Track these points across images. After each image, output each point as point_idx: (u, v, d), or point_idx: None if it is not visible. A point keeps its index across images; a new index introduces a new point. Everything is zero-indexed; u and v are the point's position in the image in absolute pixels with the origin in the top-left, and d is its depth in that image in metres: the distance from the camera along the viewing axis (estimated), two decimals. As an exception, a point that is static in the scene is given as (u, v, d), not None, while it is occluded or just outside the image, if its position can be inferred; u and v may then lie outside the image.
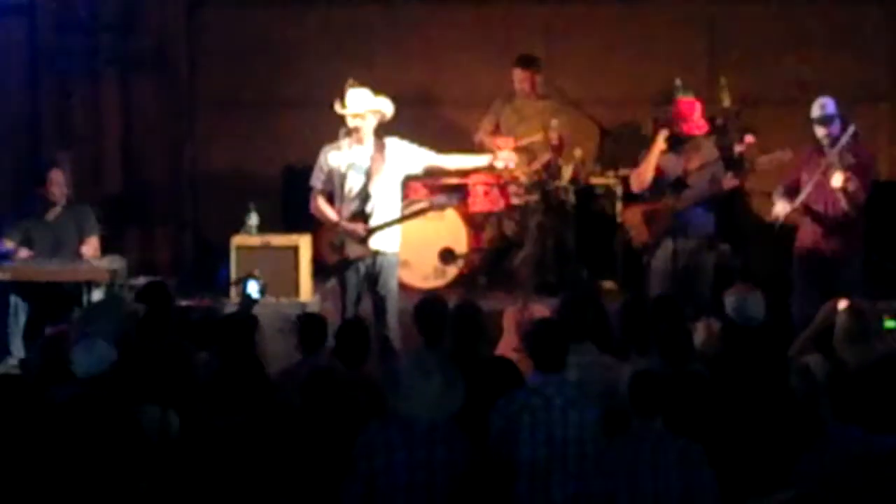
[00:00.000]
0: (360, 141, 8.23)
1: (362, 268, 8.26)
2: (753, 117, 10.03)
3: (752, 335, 6.50)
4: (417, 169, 8.41)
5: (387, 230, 8.25)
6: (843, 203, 8.37)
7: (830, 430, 5.04)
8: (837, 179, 8.29)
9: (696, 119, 8.74)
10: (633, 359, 6.58)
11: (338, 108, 8.21)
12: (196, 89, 11.38)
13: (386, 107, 8.27)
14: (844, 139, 8.32)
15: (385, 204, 8.25)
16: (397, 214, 8.35)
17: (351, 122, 8.22)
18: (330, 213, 8.32)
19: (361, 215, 8.22)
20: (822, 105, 8.47)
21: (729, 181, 8.61)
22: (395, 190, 8.35)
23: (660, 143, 8.63)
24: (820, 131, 8.46)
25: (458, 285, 9.90)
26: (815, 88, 9.88)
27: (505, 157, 8.72)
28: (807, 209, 8.53)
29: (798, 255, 8.61)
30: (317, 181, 8.37)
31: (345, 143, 8.29)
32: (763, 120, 10.02)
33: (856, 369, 5.38)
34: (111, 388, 5.90)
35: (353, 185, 8.25)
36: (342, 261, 8.27)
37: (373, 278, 8.26)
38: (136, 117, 11.16)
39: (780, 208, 8.54)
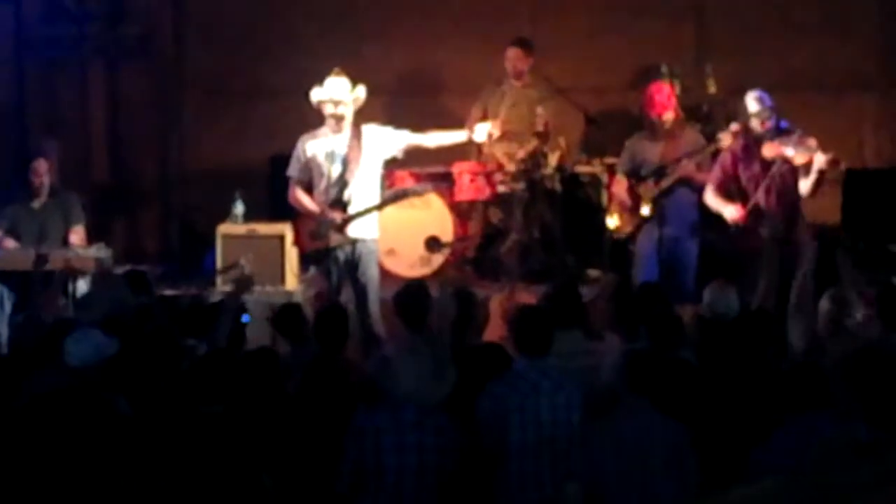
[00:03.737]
0: (339, 129, 8.25)
1: (342, 256, 8.28)
2: (740, 105, 10.04)
3: (725, 329, 6.52)
4: (396, 151, 8.40)
5: (365, 217, 8.26)
6: (810, 184, 8.25)
7: (792, 417, 5.07)
8: (820, 160, 8.16)
9: (660, 100, 8.73)
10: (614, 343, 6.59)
11: (319, 94, 8.21)
12: (183, 78, 11.37)
13: (363, 94, 8.30)
14: (797, 134, 8.28)
15: (363, 191, 8.27)
16: (376, 201, 8.36)
17: (334, 110, 8.22)
18: (307, 202, 8.34)
19: (339, 203, 8.23)
20: (760, 98, 8.38)
21: (686, 169, 8.62)
22: (375, 177, 8.37)
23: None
24: (763, 125, 8.36)
25: (444, 273, 9.91)
26: (801, 76, 9.94)
27: (482, 129, 8.73)
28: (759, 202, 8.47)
29: (764, 244, 8.53)
30: (294, 171, 8.39)
31: (322, 131, 8.31)
32: (749, 108, 10.02)
33: (833, 358, 5.40)
34: (102, 378, 5.89)
35: (330, 173, 8.27)
36: (322, 249, 8.28)
37: (352, 266, 8.27)
38: (122, 106, 11.17)
39: (732, 213, 8.35)
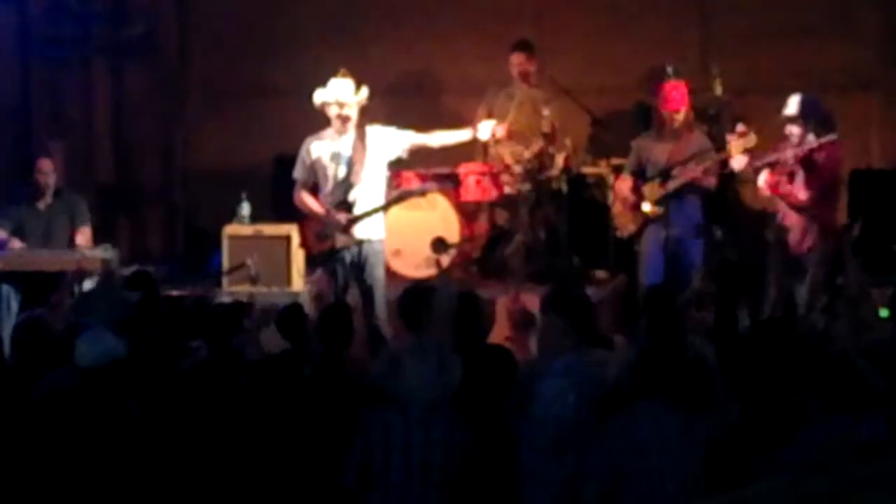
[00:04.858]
0: (344, 131, 8.24)
1: (348, 256, 8.27)
2: (745, 106, 10.03)
3: (737, 343, 6.50)
4: (400, 151, 8.40)
5: (370, 218, 8.26)
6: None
7: (817, 418, 5.06)
8: (761, 180, 8.33)
9: (676, 96, 8.73)
10: (620, 349, 6.57)
11: (324, 96, 8.21)
12: (187, 77, 11.37)
13: (365, 96, 8.32)
14: (806, 145, 8.30)
15: (369, 192, 8.28)
16: (381, 202, 8.35)
17: (340, 111, 8.21)
18: (313, 204, 8.35)
19: (345, 204, 8.23)
20: (787, 104, 8.46)
21: (693, 171, 8.62)
22: (380, 178, 8.37)
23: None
24: (793, 130, 8.44)
25: (450, 275, 9.89)
26: (806, 77, 9.91)
27: (486, 127, 8.71)
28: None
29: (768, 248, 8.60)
30: (299, 173, 8.40)
31: (327, 133, 8.32)
32: (755, 109, 10.01)
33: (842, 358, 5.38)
34: (109, 378, 5.89)
35: (336, 174, 8.28)
36: (329, 250, 8.27)
37: (359, 267, 8.27)
38: (127, 106, 11.16)
39: (737, 162, 8.57)
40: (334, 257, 8.29)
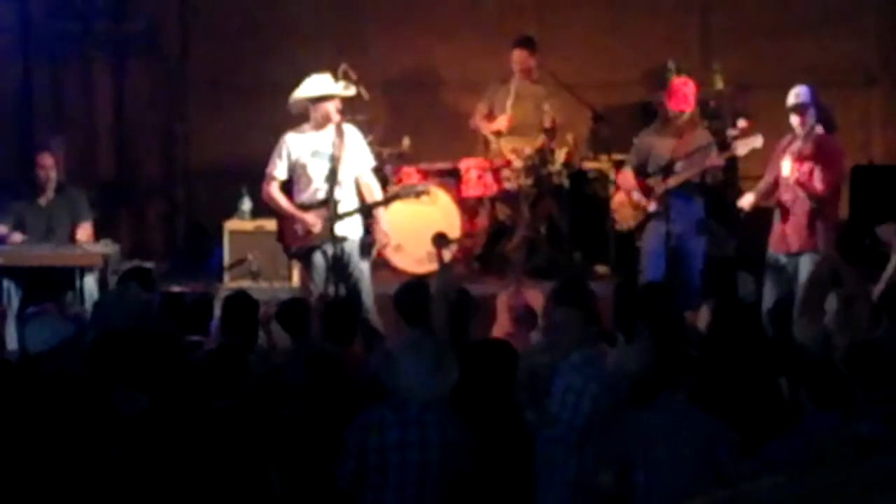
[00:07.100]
0: (324, 126, 8.20)
1: (329, 251, 8.19)
2: (746, 101, 10.04)
3: (742, 313, 6.51)
4: (358, 169, 8.35)
5: (354, 216, 8.24)
6: (800, 192, 8.25)
7: (806, 415, 5.07)
8: (786, 168, 8.19)
9: (681, 95, 8.67)
10: (622, 345, 6.57)
11: (317, 90, 8.19)
12: (188, 73, 11.37)
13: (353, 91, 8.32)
14: (807, 130, 8.21)
15: (350, 189, 8.25)
16: (355, 200, 8.30)
17: (330, 105, 8.19)
18: (284, 202, 8.27)
19: (330, 202, 8.15)
20: (797, 94, 8.31)
21: (713, 159, 8.58)
22: (353, 176, 8.33)
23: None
24: (794, 120, 8.33)
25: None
26: (806, 73, 9.91)
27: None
28: (777, 200, 8.45)
29: (769, 246, 8.51)
30: (274, 168, 8.29)
31: (306, 128, 8.27)
32: (756, 104, 10.02)
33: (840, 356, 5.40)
34: (61, 360, 5.86)
35: (318, 171, 8.21)
36: (310, 246, 8.20)
37: (341, 263, 8.18)
38: (128, 102, 11.17)
39: (745, 200, 8.44)
40: (315, 251, 8.22)
